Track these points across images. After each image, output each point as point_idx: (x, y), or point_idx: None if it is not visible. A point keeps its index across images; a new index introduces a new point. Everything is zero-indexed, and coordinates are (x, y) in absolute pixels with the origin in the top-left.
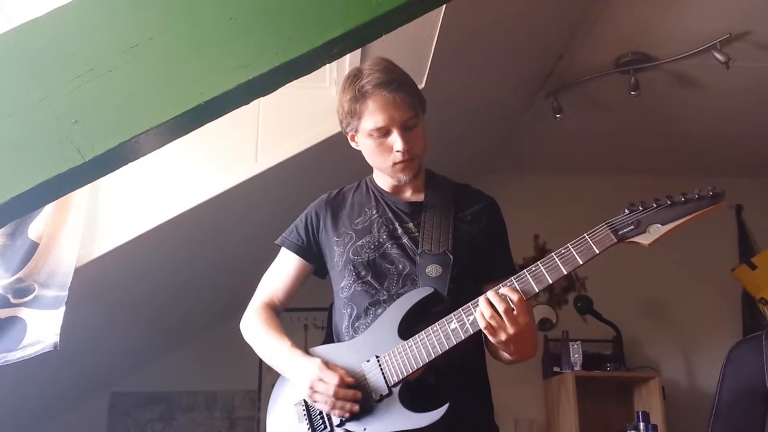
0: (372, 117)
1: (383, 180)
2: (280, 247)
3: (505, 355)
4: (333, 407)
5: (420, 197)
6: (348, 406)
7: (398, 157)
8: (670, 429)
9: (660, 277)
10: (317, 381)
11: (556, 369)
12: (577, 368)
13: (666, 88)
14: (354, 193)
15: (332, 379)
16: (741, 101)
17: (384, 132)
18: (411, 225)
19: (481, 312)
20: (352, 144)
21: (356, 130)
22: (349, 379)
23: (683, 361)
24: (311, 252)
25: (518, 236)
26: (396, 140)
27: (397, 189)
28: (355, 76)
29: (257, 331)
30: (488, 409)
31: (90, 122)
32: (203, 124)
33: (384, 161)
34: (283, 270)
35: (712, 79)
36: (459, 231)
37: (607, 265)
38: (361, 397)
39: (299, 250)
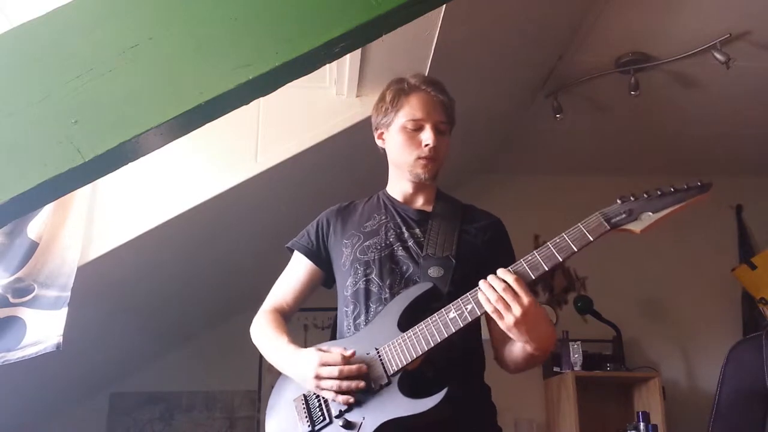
0: (412, 109)
1: (396, 189)
2: (289, 253)
3: (518, 353)
4: (340, 388)
5: (429, 208)
6: (354, 384)
7: (425, 151)
8: (670, 429)
9: (660, 277)
10: (320, 366)
11: (556, 369)
12: (577, 368)
13: (666, 88)
14: (365, 204)
15: (335, 359)
16: (741, 101)
17: (418, 126)
18: (418, 231)
19: (485, 296)
20: (379, 143)
21: (389, 125)
22: (349, 353)
23: (683, 361)
24: (320, 256)
25: (518, 236)
26: (428, 135)
27: (409, 199)
28: (401, 78)
29: (261, 332)
30: (491, 410)
31: (90, 122)
32: (203, 124)
33: (410, 155)
34: (292, 275)
35: (712, 79)
36: (463, 240)
37: (607, 265)
38: (366, 371)
39: (309, 253)
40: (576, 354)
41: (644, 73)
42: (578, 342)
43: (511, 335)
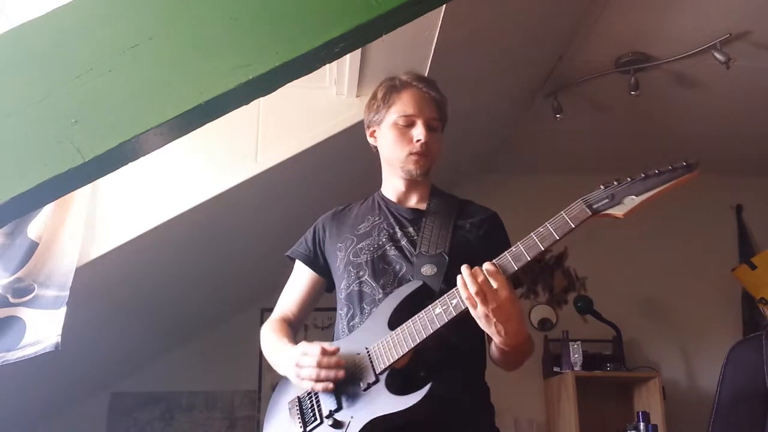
0: (403, 105)
1: (390, 188)
2: (289, 260)
3: (494, 351)
4: (318, 378)
5: (423, 206)
6: (333, 374)
7: (417, 147)
8: (670, 429)
9: (660, 277)
10: (301, 356)
11: (556, 369)
12: (577, 368)
13: (666, 88)
14: (361, 206)
15: (314, 350)
16: (741, 101)
17: (409, 122)
18: (411, 230)
19: (462, 281)
20: (370, 140)
21: (381, 122)
22: (331, 348)
23: (683, 361)
24: (318, 263)
25: (518, 236)
26: (419, 131)
27: (402, 197)
28: (392, 76)
29: (264, 340)
30: (489, 411)
31: (90, 122)
32: (203, 124)
33: (401, 151)
34: (295, 285)
35: (712, 79)
36: (457, 236)
37: (607, 265)
38: (344, 364)
39: (307, 260)
40: (576, 354)
41: (644, 73)
42: (578, 342)
43: (480, 325)
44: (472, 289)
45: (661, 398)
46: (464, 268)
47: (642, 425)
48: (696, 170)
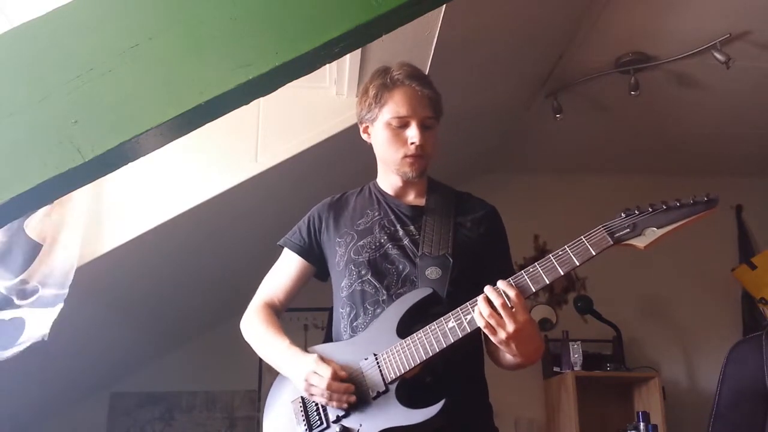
0: (396, 106)
1: (387, 183)
2: (282, 248)
3: (509, 359)
4: (330, 399)
5: (421, 201)
6: (344, 398)
7: (412, 149)
8: (670, 429)
9: (660, 277)
10: (312, 374)
11: (556, 369)
12: (577, 368)
13: (666, 88)
14: (357, 197)
15: (326, 372)
16: (741, 101)
17: (403, 123)
18: (412, 228)
19: (479, 310)
20: (364, 136)
21: (374, 120)
22: (342, 373)
23: (683, 361)
24: (313, 253)
25: (518, 236)
26: (413, 133)
27: (400, 192)
28: (385, 69)
29: (256, 329)
30: (487, 410)
31: (90, 122)
32: (203, 124)
33: (396, 152)
34: (284, 271)
35: (712, 79)
36: (459, 235)
37: (608, 265)
38: (354, 390)
39: (301, 251)
40: (576, 354)
41: (644, 73)
42: (578, 342)
43: (501, 347)
44: (486, 314)
45: (661, 398)
46: (481, 298)
47: (642, 425)
48: (716, 206)
